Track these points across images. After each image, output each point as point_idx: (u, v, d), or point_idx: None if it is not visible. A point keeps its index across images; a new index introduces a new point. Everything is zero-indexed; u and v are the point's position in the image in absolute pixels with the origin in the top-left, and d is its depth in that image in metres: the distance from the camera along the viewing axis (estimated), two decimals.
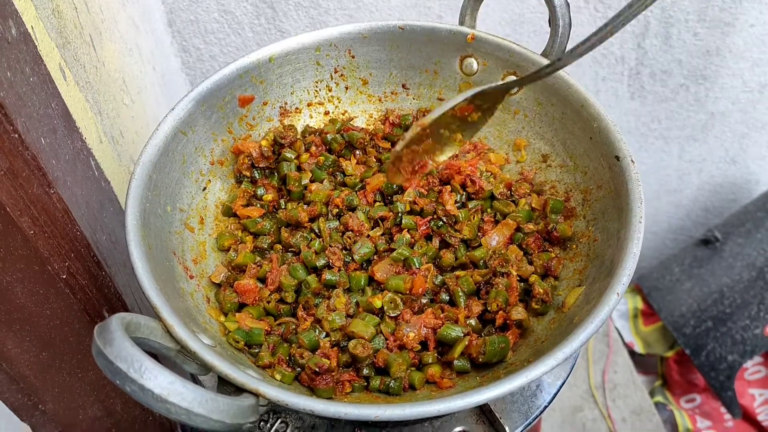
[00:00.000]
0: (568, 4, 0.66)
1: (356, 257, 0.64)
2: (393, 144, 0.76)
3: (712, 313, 1.37)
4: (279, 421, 0.60)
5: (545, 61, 0.68)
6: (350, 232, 0.66)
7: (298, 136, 0.74)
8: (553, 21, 0.66)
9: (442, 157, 0.60)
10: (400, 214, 0.67)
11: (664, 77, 1.28)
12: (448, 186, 0.69)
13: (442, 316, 0.60)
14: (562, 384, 0.63)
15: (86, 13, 0.74)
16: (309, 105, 0.77)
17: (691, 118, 1.37)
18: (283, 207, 0.70)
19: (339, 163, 0.73)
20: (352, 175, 0.72)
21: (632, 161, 0.59)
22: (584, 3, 1.14)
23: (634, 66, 1.26)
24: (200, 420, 0.41)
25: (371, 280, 0.63)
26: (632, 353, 1.52)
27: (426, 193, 0.69)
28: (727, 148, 1.44)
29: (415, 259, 0.63)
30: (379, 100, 0.79)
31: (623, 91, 1.31)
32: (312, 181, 0.71)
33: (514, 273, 0.62)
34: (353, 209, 0.68)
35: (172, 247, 0.62)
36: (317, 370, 0.55)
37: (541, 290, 0.60)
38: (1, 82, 0.49)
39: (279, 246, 0.67)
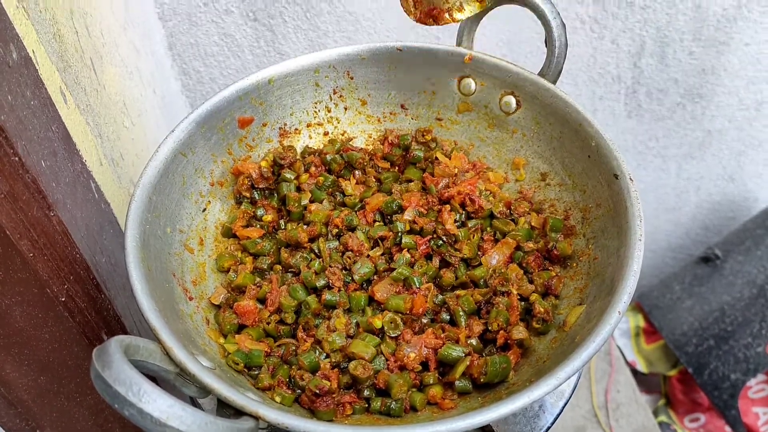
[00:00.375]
0: (564, 25, 0.66)
1: (356, 277, 0.64)
2: (392, 164, 0.76)
3: (713, 332, 1.36)
4: None
5: (542, 81, 0.69)
6: (350, 252, 0.66)
7: (298, 157, 0.75)
8: (549, 41, 0.67)
9: (460, 15, 0.57)
10: (399, 234, 0.67)
11: (661, 96, 1.29)
12: (448, 205, 0.69)
13: (442, 335, 0.60)
14: (565, 404, 0.62)
15: (87, 37, 0.74)
16: (308, 126, 0.78)
17: (688, 136, 1.37)
18: (282, 227, 0.70)
19: (338, 184, 0.73)
20: (351, 195, 0.72)
21: (631, 179, 0.59)
22: (580, 24, 1.15)
23: (631, 85, 1.27)
24: None
25: (371, 300, 0.63)
26: (635, 372, 1.51)
27: (425, 212, 0.69)
28: (724, 165, 1.44)
29: (415, 279, 0.63)
30: (378, 120, 0.79)
31: (620, 110, 1.32)
32: (311, 201, 0.71)
33: (515, 292, 0.62)
34: (353, 229, 0.68)
35: (172, 268, 0.62)
36: (318, 392, 0.55)
37: (542, 309, 0.60)
38: (2, 106, 0.49)
39: (279, 267, 0.67)
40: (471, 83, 0.74)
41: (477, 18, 0.72)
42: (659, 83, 1.27)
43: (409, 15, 0.63)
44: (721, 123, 1.35)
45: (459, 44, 0.75)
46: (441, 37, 1.16)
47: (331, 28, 1.14)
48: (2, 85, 0.50)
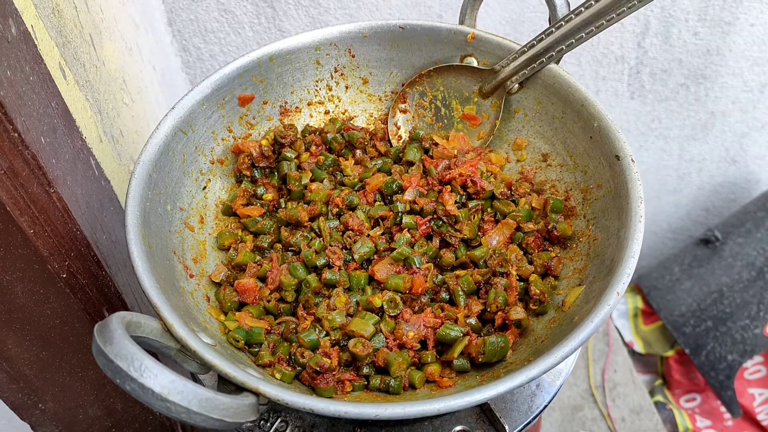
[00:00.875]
0: (568, 4, 0.66)
1: (356, 256, 0.64)
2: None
3: (712, 313, 1.37)
4: (279, 420, 0.60)
5: None
6: (350, 232, 0.66)
7: (299, 136, 0.74)
8: (553, 20, 0.66)
9: None
10: (400, 214, 0.67)
11: (664, 76, 1.28)
12: (448, 186, 0.69)
13: (441, 315, 0.60)
14: (562, 383, 0.63)
15: (86, 12, 0.74)
16: (309, 104, 0.77)
17: (691, 117, 1.37)
18: (283, 206, 0.70)
19: (339, 163, 0.73)
20: (350, 176, 0.72)
21: (632, 160, 0.59)
22: None
23: (635, 65, 1.26)
24: (200, 419, 0.41)
25: (371, 279, 0.63)
26: (632, 352, 1.52)
27: (426, 192, 0.69)
28: (727, 147, 1.44)
29: (415, 259, 0.63)
30: (380, 99, 0.79)
31: (623, 91, 1.31)
32: (312, 180, 0.71)
33: (514, 273, 0.62)
34: (353, 208, 0.68)
35: (173, 246, 0.62)
36: (318, 369, 0.55)
37: (538, 291, 0.60)
38: (1, 81, 0.49)
39: (279, 245, 0.67)
40: (473, 62, 0.73)
41: None
42: (663, 64, 1.26)
43: None
44: (724, 104, 1.34)
45: (462, 23, 0.74)
46: (444, 16, 1.15)
47: (333, 5, 1.13)
48: (1, 60, 0.49)
